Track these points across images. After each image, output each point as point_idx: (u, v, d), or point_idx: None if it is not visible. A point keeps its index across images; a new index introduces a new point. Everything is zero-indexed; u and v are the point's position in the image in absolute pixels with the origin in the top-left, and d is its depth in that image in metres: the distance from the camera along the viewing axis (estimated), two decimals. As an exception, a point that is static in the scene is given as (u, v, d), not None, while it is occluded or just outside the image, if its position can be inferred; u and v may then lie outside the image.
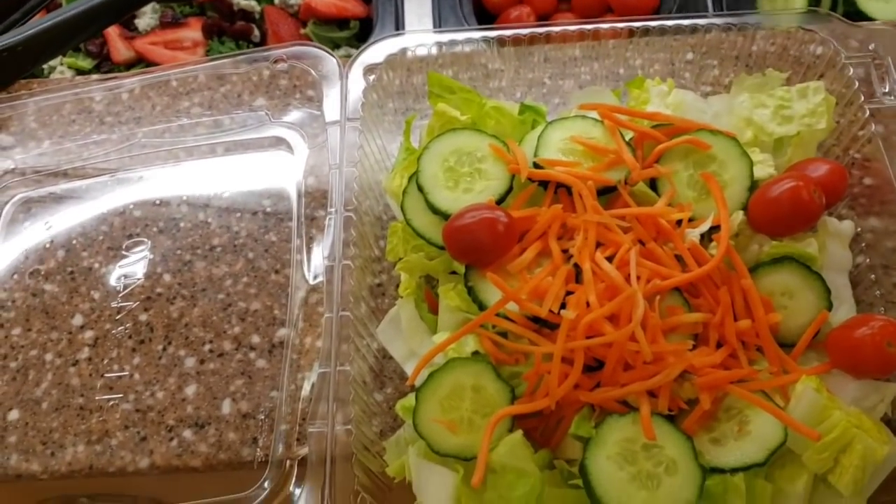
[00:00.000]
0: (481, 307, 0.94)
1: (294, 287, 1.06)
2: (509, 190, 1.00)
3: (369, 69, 1.10)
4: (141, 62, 1.69)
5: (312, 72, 1.11)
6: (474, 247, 0.95)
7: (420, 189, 1.01)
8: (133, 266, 1.16)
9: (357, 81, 1.10)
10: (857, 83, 1.03)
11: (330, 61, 1.11)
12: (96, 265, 1.17)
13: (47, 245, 1.19)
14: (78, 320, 1.13)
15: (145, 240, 1.17)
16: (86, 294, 1.15)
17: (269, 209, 1.17)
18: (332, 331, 0.92)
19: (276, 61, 1.13)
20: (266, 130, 1.19)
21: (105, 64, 1.71)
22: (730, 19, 1.14)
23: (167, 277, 1.14)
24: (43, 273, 1.17)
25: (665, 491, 0.83)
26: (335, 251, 0.98)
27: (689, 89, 1.20)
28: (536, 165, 0.99)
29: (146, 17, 1.73)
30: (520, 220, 0.97)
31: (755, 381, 0.89)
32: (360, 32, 1.76)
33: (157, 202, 1.20)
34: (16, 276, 1.17)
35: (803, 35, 1.12)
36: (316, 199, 1.14)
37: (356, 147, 1.05)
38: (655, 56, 1.24)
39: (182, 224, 1.18)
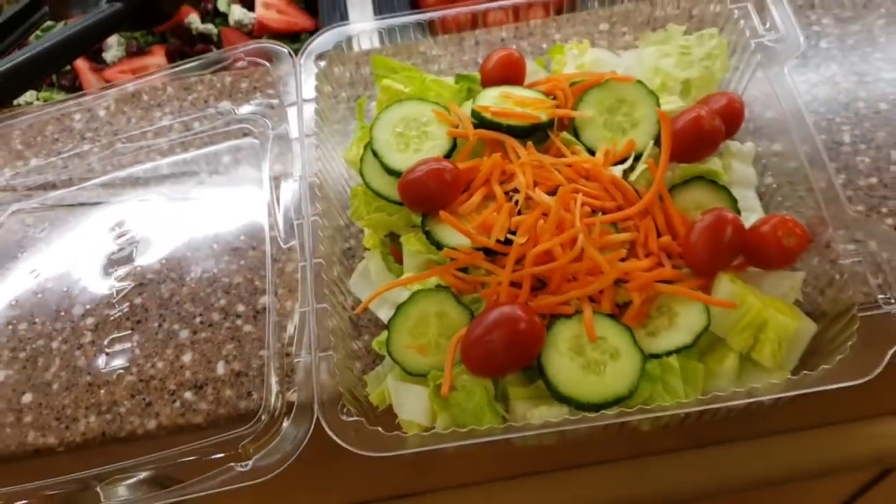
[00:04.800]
0: (439, 247, 1.07)
1: (270, 254, 1.18)
2: (454, 147, 1.14)
3: (319, 56, 1.24)
4: (111, 91, 1.82)
5: (267, 64, 1.25)
6: (426, 195, 1.08)
7: (375, 154, 1.14)
8: (123, 255, 1.27)
9: (310, 67, 1.24)
10: (742, 24, 1.19)
11: (282, 53, 1.25)
12: (90, 258, 1.28)
13: (43, 248, 1.31)
14: (78, 310, 1.24)
15: (133, 233, 1.29)
16: (82, 286, 1.26)
17: (240, 195, 1.30)
18: (309, 275, 1.05)
19: (235, 60, 1.26)
20: (232, 124, 1.32)
21: (77, 96, 1.83)
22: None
23: (155, 264, 1.26)
24: (41, 271, 1.28)
25: (611, 373, 0.96)
26: (303, 211, 1.11)
27: (604, 50, 1.35)
28: (475, 114, 1.13)
29: (113, 50, 1.85)
30: (465, 171, 1.11)
31: (680, 282, 1.03)
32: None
33: (140, 199, 1.32)
34: (16, 277, 1.28)
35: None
36: (282, 174, 1.26)
37: (316, 124, 1.19)
38: (574, 30, 1.40)
39: (164, 215, 1.30)
